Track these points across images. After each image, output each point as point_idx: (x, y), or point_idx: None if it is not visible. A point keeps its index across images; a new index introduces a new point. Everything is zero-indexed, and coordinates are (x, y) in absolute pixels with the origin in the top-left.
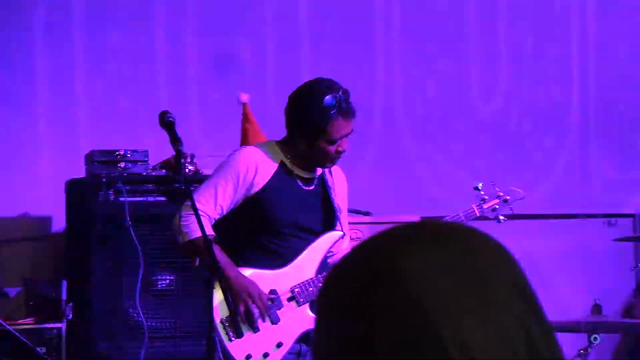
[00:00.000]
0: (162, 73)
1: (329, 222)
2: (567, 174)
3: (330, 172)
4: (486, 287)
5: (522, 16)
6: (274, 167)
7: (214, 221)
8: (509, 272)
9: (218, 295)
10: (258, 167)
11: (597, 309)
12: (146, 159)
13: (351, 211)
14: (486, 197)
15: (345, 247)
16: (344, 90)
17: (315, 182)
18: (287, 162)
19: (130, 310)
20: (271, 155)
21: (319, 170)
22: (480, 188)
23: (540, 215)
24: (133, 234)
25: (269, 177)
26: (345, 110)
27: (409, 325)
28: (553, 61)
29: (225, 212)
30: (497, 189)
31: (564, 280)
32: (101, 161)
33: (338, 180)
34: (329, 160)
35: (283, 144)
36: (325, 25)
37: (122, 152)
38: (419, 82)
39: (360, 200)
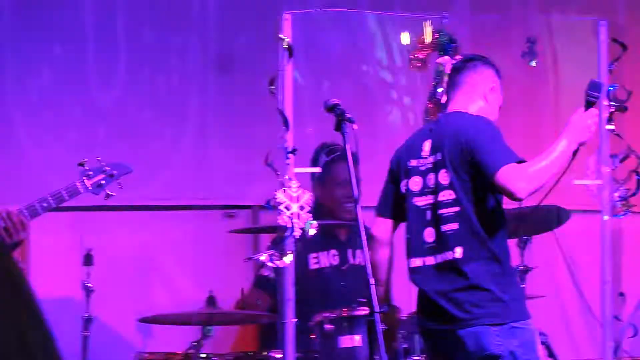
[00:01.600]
0: None
1: None
2: (187, 164)
3: None
4: None
5: (142, 5)
6: None
7: None
8: (10, 282)
9: None
10: None
11: (211, 301)
12: None
13: None
14: (90, 173)
15: None
16: None
17: None
18: None
19: None
20: None
21: None
22: (84, 164)
23: (159, 206)
24: None
25: None
26: None
27: None
28: (174, 51)
29: None
30: (104, 164)
31: (180, 272)
32: None
33: None
34: None
35: None
36: None
37: None
38: (33, 69)
39: None
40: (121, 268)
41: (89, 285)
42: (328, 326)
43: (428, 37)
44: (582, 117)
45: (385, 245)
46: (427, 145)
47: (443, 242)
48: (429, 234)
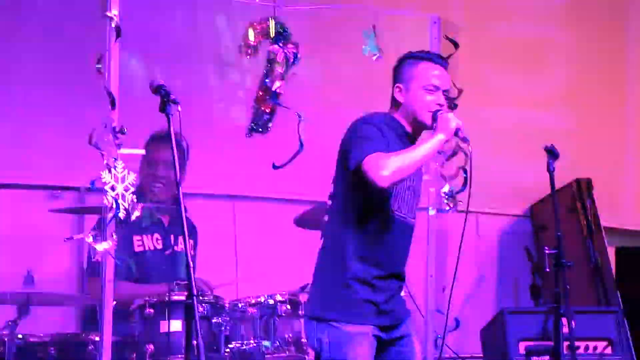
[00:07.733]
0: None
1: None
2: (11, 142)
3: None
4: None
5: None
6: None
7: None
8: None
9: None
10: None
11: (29, 279)
12: None
13: None
14: None
15: None
16: None
17: None
18: None
19: None
20: None
21: None
22: None
23: None
24: None
25: None
26: None
27: None
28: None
29: None
30: None
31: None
32: None
33: None
34: None
35: None
36: None
37: None
38: None
39: None
40: None
41: None
42: (148, 310)
43: (260, 24)
44: (450, 118)
45: None
46: None
47: None
48: None
